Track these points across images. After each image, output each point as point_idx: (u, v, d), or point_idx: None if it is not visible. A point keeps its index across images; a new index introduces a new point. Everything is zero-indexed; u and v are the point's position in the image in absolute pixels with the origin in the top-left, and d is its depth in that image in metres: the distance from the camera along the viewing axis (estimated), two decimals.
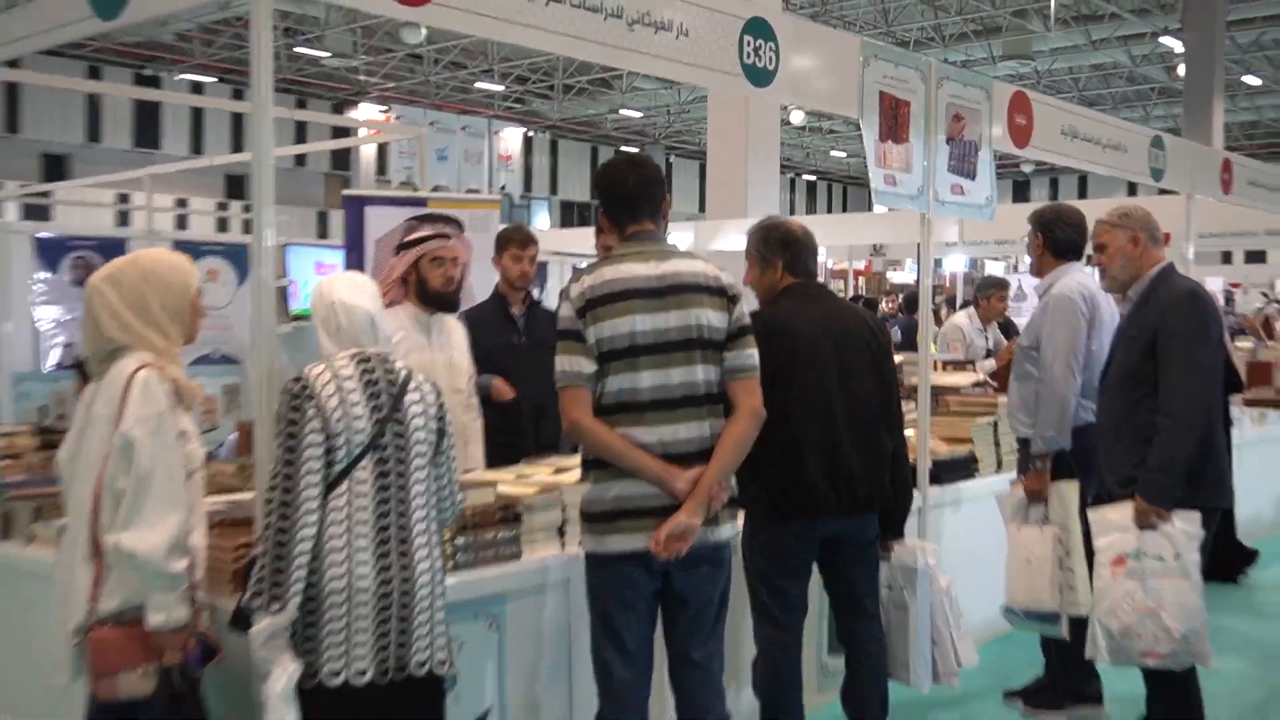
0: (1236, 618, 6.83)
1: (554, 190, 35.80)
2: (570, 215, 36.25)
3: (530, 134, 34.27)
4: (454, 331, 5.16)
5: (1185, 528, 4.04)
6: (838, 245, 20.78)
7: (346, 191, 7.63)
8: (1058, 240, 5.14)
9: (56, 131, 26.02)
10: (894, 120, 5.49)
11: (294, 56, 26.26)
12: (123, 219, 16.07)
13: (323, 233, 26.09)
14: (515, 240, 5.73)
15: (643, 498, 3.46)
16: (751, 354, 3.62)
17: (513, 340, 5.60)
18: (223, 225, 25.19)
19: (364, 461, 3.26)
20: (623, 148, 36.75)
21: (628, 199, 3.69)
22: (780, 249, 4.29)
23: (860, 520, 4.25)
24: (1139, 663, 4.13)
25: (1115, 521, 4.17)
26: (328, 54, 26.49)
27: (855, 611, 4.33)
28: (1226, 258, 22.77)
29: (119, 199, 18.01)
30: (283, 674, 3.07)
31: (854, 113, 5.28)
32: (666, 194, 3.85)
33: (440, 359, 4.97)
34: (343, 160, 29.80)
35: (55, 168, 24.89)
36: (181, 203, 21.21)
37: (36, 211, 18.27)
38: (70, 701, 3.42)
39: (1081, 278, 5.13)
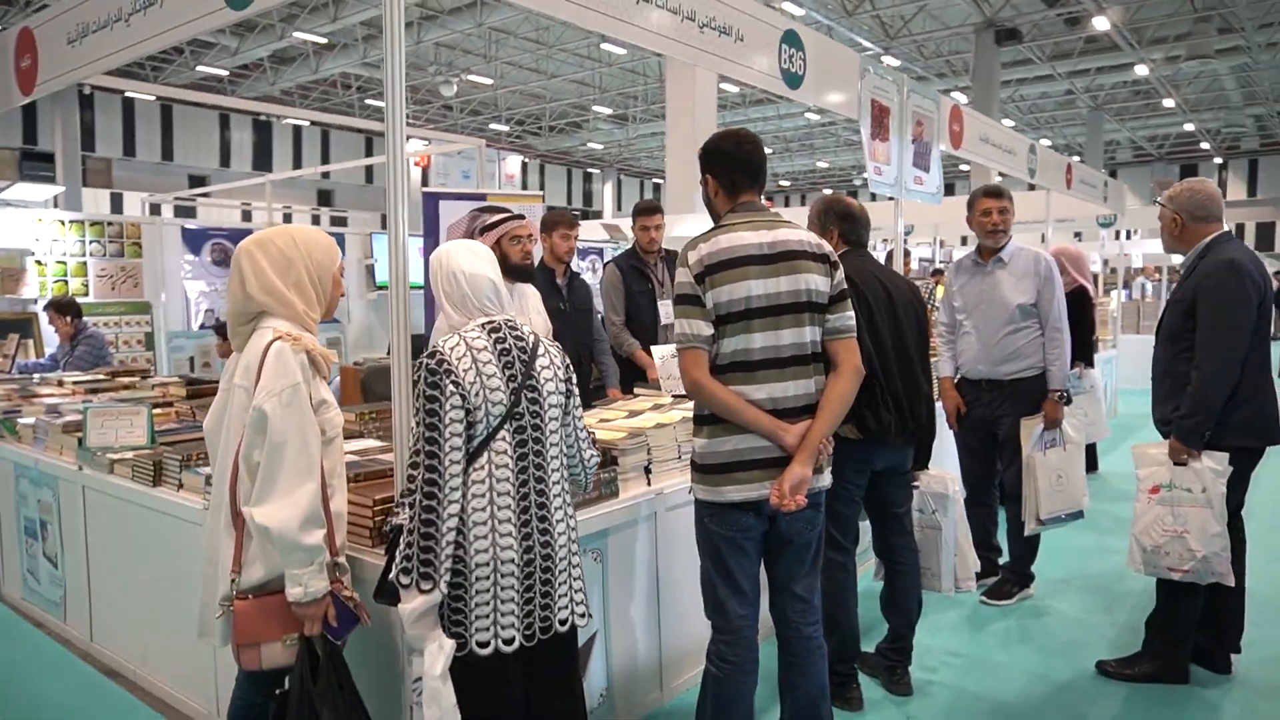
0: None
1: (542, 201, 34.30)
2: None
3: (525, 160, 32.65)
4: (530, 298, 3.96)
5: (1212, 465, 3.02)
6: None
7: (425, 189, 6.37)
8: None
9: (200, 159, 24.45)
10: (880, 123, 4.39)
11: (365, 107, 24.44)
12: (246, 218, 14.77)
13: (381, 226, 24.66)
14: (563, 222, 4.52)
15: (757, 450, 2.36)
16: (851, 315, 2.50)
17: (559, 305, 4.40)
18: (316, 222, 23.62)
19: (503, 431, 2.12)
20: (589, 170, 35.19)
21: (752, 169, 2.51)
22: (839, 220, 3.16)
23: (904, 452, 3.19)
24: (1166, 575, 3.11)
25: (1154, 456, 3.14)
26: None
27: (894, 529, 3.28)
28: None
29: (243, 205, 16.65)
30: (440, 653, 1.98)
31: (855, 115, 4.19)
32: None
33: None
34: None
35: (199, 183, 23.08)
36: (287, 210, 19.74)
37: (186, 214, 16.86)
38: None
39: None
